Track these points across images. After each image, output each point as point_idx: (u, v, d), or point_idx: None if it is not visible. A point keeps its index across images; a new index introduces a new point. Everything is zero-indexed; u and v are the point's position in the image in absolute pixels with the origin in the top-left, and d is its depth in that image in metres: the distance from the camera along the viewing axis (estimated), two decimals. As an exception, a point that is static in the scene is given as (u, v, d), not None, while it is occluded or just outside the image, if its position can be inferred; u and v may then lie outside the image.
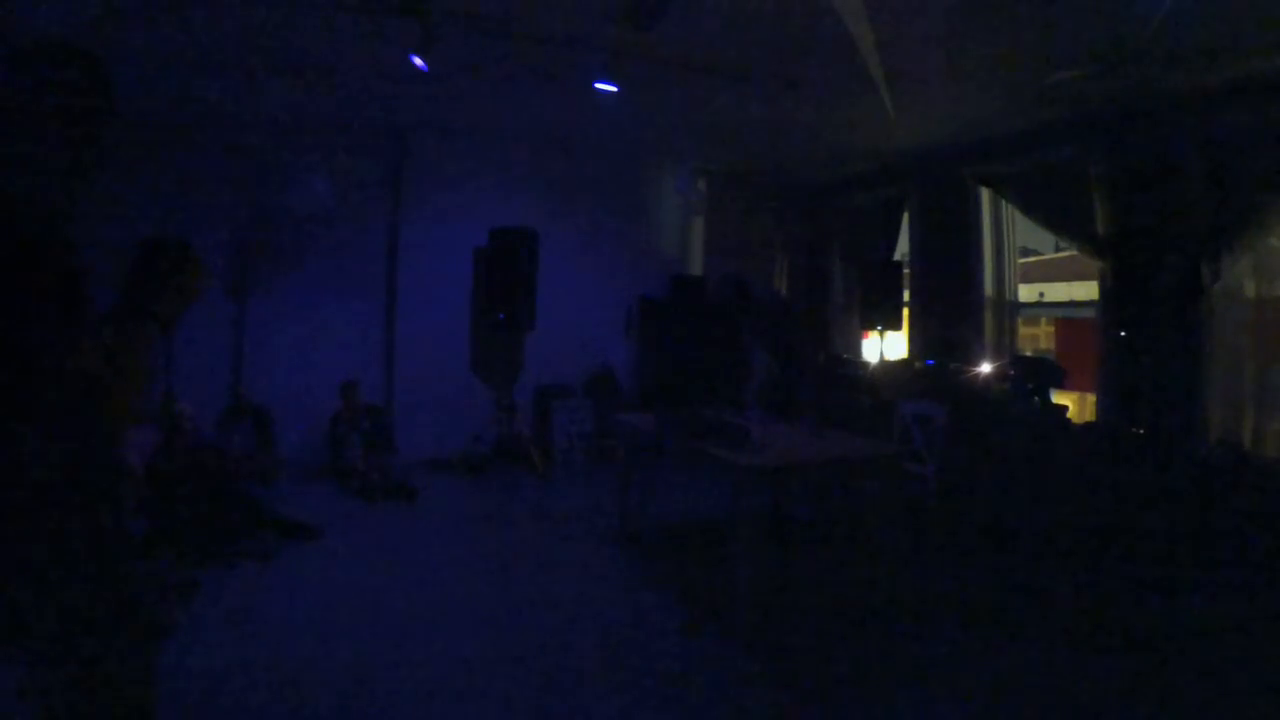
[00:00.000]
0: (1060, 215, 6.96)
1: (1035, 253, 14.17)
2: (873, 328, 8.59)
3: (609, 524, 5.91)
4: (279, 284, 7.63)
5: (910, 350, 8.50)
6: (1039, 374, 6.22)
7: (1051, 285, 12.24)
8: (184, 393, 6.62)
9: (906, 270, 8.85)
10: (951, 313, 7.94)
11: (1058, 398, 6.31)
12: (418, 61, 5.46)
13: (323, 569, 5.14)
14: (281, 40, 5.48)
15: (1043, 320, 11.87)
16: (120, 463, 2.01)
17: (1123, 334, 6.10)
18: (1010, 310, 7.90)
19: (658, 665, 3.77)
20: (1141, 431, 5.32)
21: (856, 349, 9.50)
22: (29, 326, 1.58)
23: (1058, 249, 13.66)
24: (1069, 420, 6.03)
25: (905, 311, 8.69)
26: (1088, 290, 7.58)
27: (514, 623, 4.30)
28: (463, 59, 5.75)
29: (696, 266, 9.79)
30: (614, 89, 5.99)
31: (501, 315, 7.80)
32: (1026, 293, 8.81)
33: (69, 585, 1.70)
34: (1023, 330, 8.96)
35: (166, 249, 1.81)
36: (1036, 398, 6.00)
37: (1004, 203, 7.85)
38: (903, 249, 9.12)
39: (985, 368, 7.12)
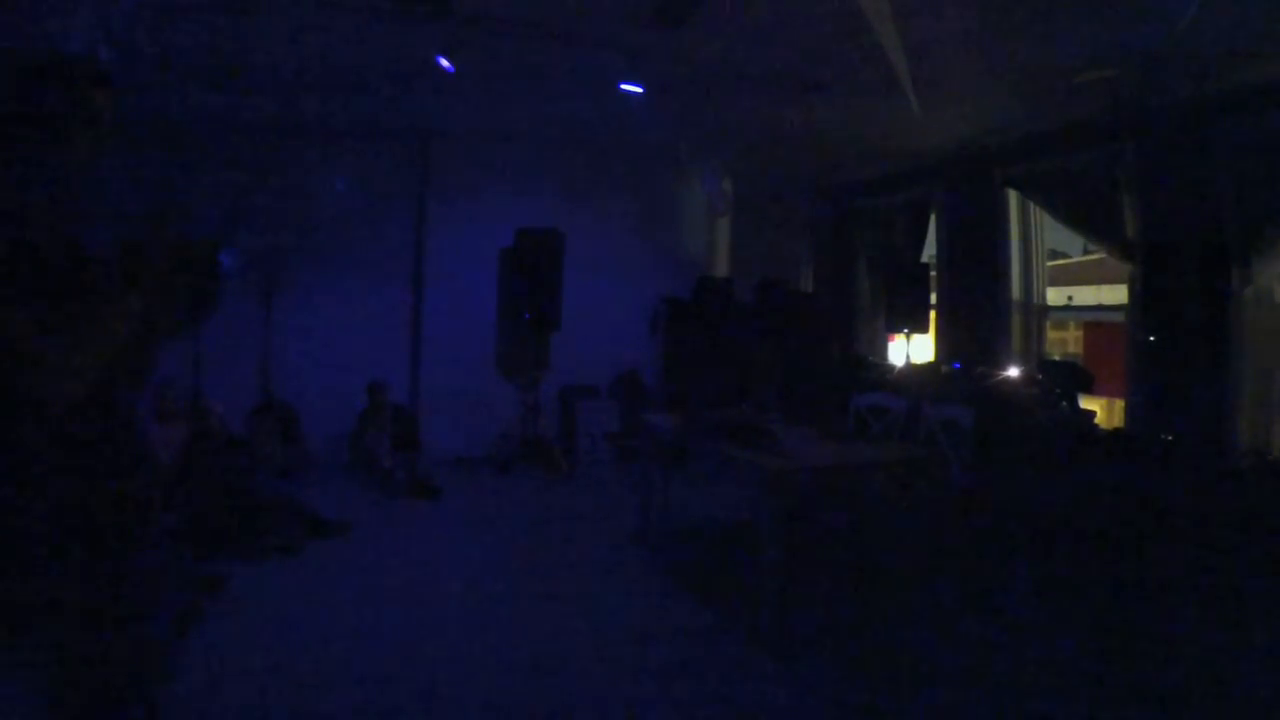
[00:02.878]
0: (1089, 218, 6.91)
1: (1064, 255, 14.02)
2: (899, 330, 8.54)
3: (632, 524, 5.91)
4: (307, 285, 7.71)
5: (937, 354, 8.45)
6: (1067, 379, 6.17)
7: (1080, 289, 12.12)
8: (213, 391, 6.70)
9: (933, 272, 8.78)
10: (979, 316, 7.89)
11: (1086, 403, 6.26)
12: (445, 63, 5.49)
13: (348, 564, 5.20)
14: (309, 44, 5.53)
15: (1071, 324, 11.79)
16: (146, 456, 2.03)
17: (1152, 339, 6.04)
18: (1038, 314, 7.84)
19: (681, 666, 3.78)
20: (1170, 438, 5.26)
21: (882, 352, 9.46)
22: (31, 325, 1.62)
23: (1086, 252, 13.51)
24: (1097, 426, 5.98)
25: (932, 314, 8.62)
26: (1116, 294, 7.50)
27: (536, 620, 4.32)
28: (489, 61, 5.78)
29: (723, 268, 9.79)
30: (640, 90, 6.00)
31: (527, 315, 7.83)
32: (1055, 296, 8.73)
33: (89, 578, 1.73)
34: (1051, 334, 8.88)
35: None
36: (1064, 403, 5.95)
37: (1032, 205, 7.79)
38: (930, 251, 9.07)
39: (1013, 372, 7.05)
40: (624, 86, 5.99)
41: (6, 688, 1.79)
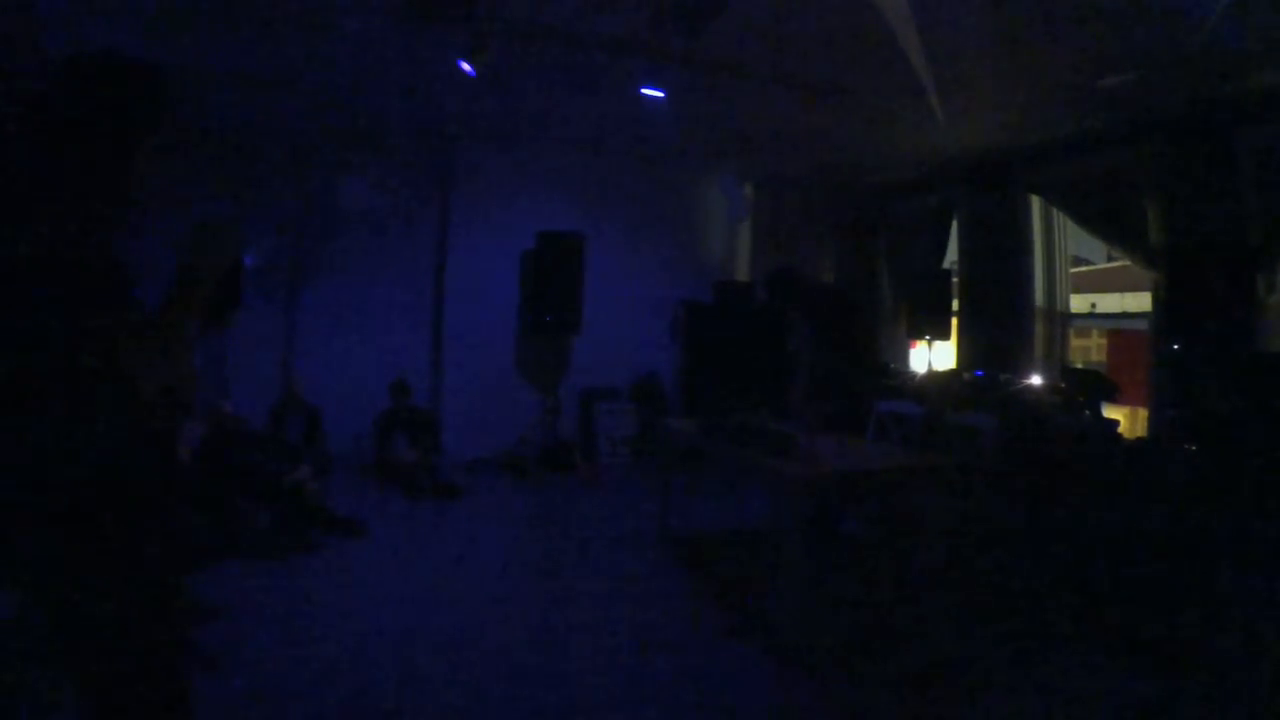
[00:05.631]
0: (1112, 224, 6.86)
1: (1087, 262, 13.92)
2: (921, 337, 8.51)
3: (651, 528, 5.92)
4: (330, 286, 7.78)
5: (959, 361, 8.40)
6: (1090, 387, 6.12)
7: (1104, 296, 12.03)
8: (237, 389, 6.76)
9: (956, 279, 8.74)
10: (1001, 323, 7.85)
11: (1109, 412, 6.21)
12: (466, 67, 5.52)
13: (367, 563, 5.25)
14: (331, 48, 5.58)
15: (1094, 332, 11.70)
16: (171, 454, 2.06)
17: (1175, 347, 5.99)
18: (1061, 321, 7.79)
19: (699, 672, 3.77)
20: (1194, 449, 5.22)
21: (904, 358, 9.42)
22: (65, 319, 1.65)
23: (1110, 258, 13.41)
24: (1120, 435, 5.93)
25: (954, 321, 8.58)
26: (1140, 301, 7.45)
27: (553, 622, 4.33)
28: (510, 65, 5.81)
29: (743, 272, 9.79)
30: (661, 95, 6.01)
31: (548, 318, 7.86)
32: (1078, 303, 8.67)
33: (112, 579, 1.75)
34: (1074, 342, 8.83)
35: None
36: (1087, 412, 5.91)
37: (1055, 210, 7.75)
38: (952, 257, 9.03)
39: (1036, 380, 7.01)
40: (645, 91, 6.00)
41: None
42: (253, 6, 4.99)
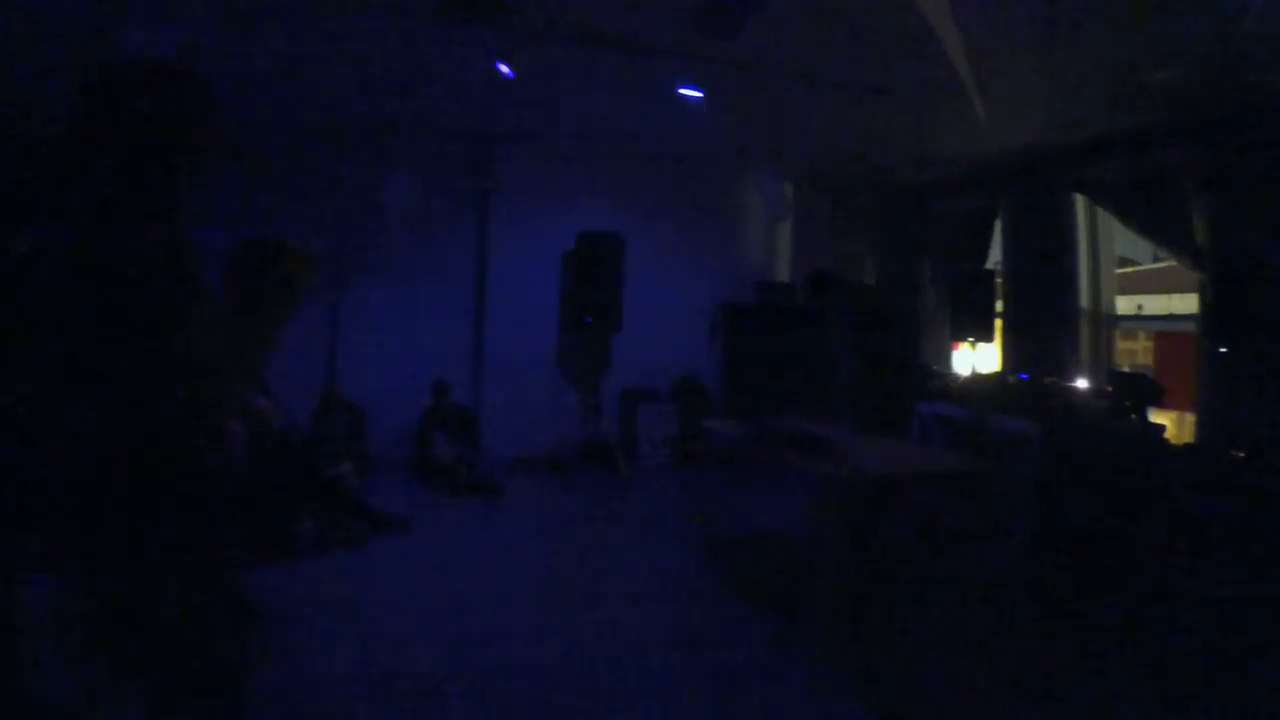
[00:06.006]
0: (1158, 223, 6.73)
1: (1133, 263, 13.69)
2: (964, 339, 8.42)
3: (691, 529, 5.92)
4: (372, 286, 7.86)
5: (1003, 363, 8.30)
6: (1136, 391, 6.02)
7: (1150, 297, 11.83)
8: (281, 388, 6.84)
9: (999, 279, 8.62)
10: (1046, 325, 7.73)
11: (1155, 416, 6.11)
12: (504, 69, 5.56)
13: (409, 560, 5.34)
14: (371, 48, 5.63)
15: (1140, 334, 11.50)
16: (227, 448, 2.09)
17: (1223, 350, 5.88)
18: (1107, 323, 7.67)
19: (736, 673, 3.78)
20: (1243, 455, 5.12)
21: (947, 360, 9.33)
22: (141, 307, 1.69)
23: (1156, 259, 13.19)
24: (1166, 441, 5.83)
25: (998, 323, 8.44)
26: (1188, 303, 7.32)
27: (591, 621, 4.36)
28: (548, 65, 5.83)
29: (784, 273, 9.75)
30: (699, 94, 6.01)
31: (588, 318, 7.89)
32: (1124, 304, 8.54)
33: (168, 570, 1.78)
34: (1120, 344, 8.68)
35: (270, 249, 1.91)
36: (1134, 416, 5.82)
37: (1100, 210, 7.63)
38: (995, 257, 8.92)
39: (1081, 383, 6.91)
40: (684, 90, 6.01)
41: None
42: (293, 7, 5.05)
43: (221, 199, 6.40)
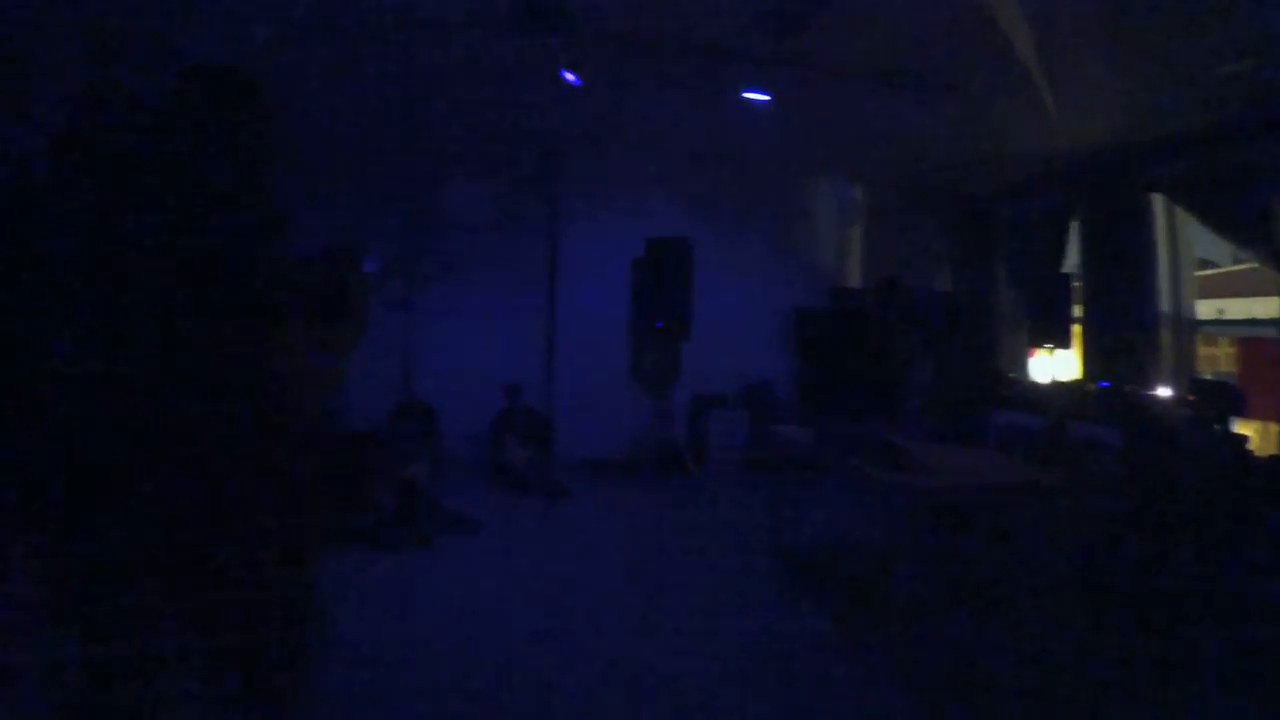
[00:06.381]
0: (1240, 223, 6.53)
1: (1213, 265, 13.27)
2: (1040, 345, 8.24)
3: (761, 537, 5.88)
4: (446, 290, 8.01)
5: (1082, 370, 8.11)
6: (1218, 400, 5.85)
7: (1232, 301, 11.46)
8: (356, 389, 7.00)
9: (1076, 283, 8.43)
10: (1124, 330, 7.54)
11: (1238, 427, 5.92)
12: (569, 77, 5.61)
13: (480, 560, 5.46)
14: (442, 57, 5.73)
15: (1222, 339, 11.16)
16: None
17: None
18: (1187, 328, 7.47)
19: (802, 684, 3.76)
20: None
21: (1023, 368, 9.15)
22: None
23: (1237, 260, 12.77)
24: (1250, 453, 5.66)
25: (1075, 328, 8.21)
26: (1270, 307, 7.10)
27: (656, 625, 4.37)
28: (614, 72, 5.88)
29: (856, 278, 9.68)
30: (766, 98, 6.00)
31: (659, 323, 7.92)
32: (1204, 309, 8.30)
33: (254, 564, 1.86)
34: (1201, 350, 8.44)
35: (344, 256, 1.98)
36: (1216, 426, 5.66)
37: (1179, 210, 7.42)
38: (1073, 260, 8.72)
39: (1163, 392, 6.74)
40: (749, 94, 6.00)
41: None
42: (364, 18, 5.16)
43: (298, 207, 6.65)
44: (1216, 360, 11.23)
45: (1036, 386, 8.04)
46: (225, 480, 1.80)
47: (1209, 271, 12.71)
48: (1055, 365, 8.15)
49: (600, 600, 4.73)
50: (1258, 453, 5.76)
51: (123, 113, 1.88)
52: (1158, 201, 7.50)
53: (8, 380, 1.73)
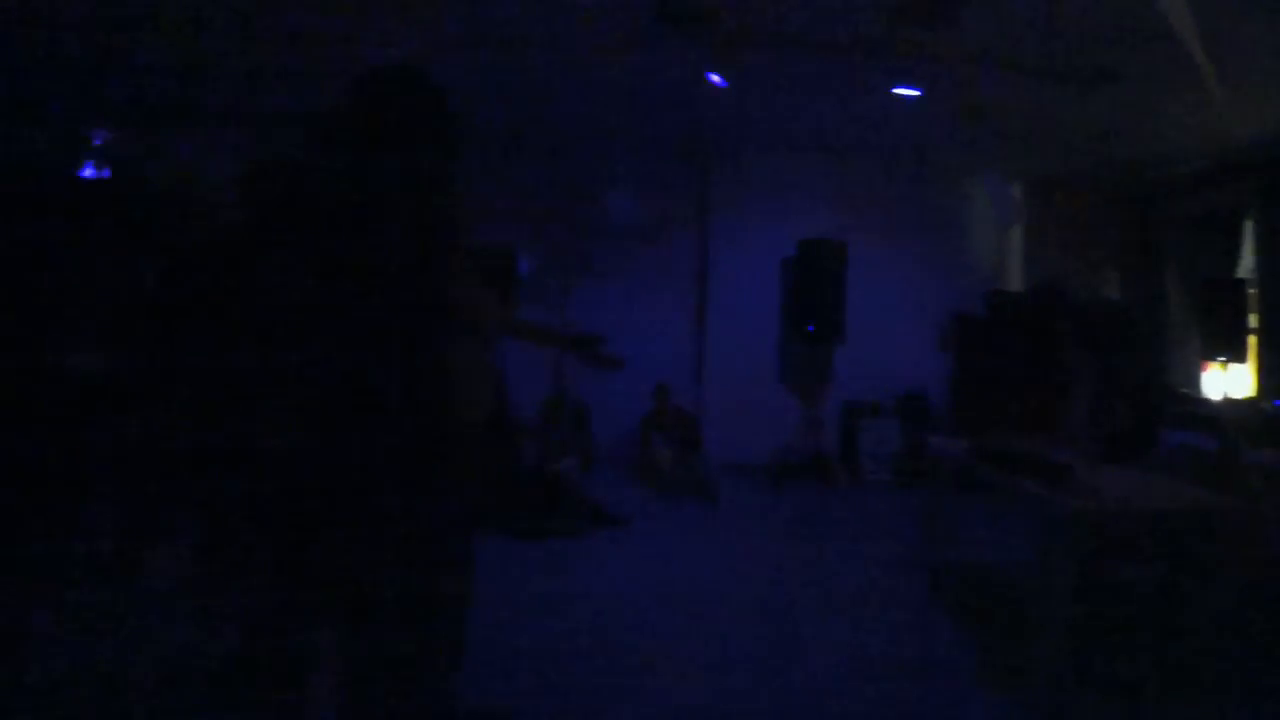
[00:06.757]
0: None
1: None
2: (1214, 358, 7.80)
3: (910, 553, 5.82)
4: (599, 290, 8.22)
5: (1258, 387, 7.66)
6: None
7: None
8: (511, 382, 7.27)
9: (1252, 290, 7.92)
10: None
11: None
12: (715, 78, 5.65)
13: (624, 556, 5.60)
14: (589, 61, 5.88)
15: None
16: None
17: None
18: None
19: (943, 710, 3.68)
20: None
21: (1195, 383, 8.68)
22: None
23: None
24: None
25: (1251, 340, 7.76)
26: None
27: (795, 637, 4.35)
28: (760, 72, 5.88)
29: (1015, 282, 9.39)
30: (916, 93, 5.89)
31: (810, 327, 7.90)
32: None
33: (409, 554, 1.93)
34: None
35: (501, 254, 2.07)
36: None
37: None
38: (1249, 264, 8.19)
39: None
40: (900, 90, 5.91)
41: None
42: (515, 26, 5.33)
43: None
44: None
45: (1209, 403, 7.59)
46: (407, 480, 1.89)
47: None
48: (1231, 381, 7.68)
49: (739, 606, 4.77)
50: None
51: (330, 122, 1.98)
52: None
53: (254, 399, 1.89)
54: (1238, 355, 7.59)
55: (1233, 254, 8.27)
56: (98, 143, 6.99)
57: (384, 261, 1.84)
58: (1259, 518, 4.56)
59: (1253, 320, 7.80)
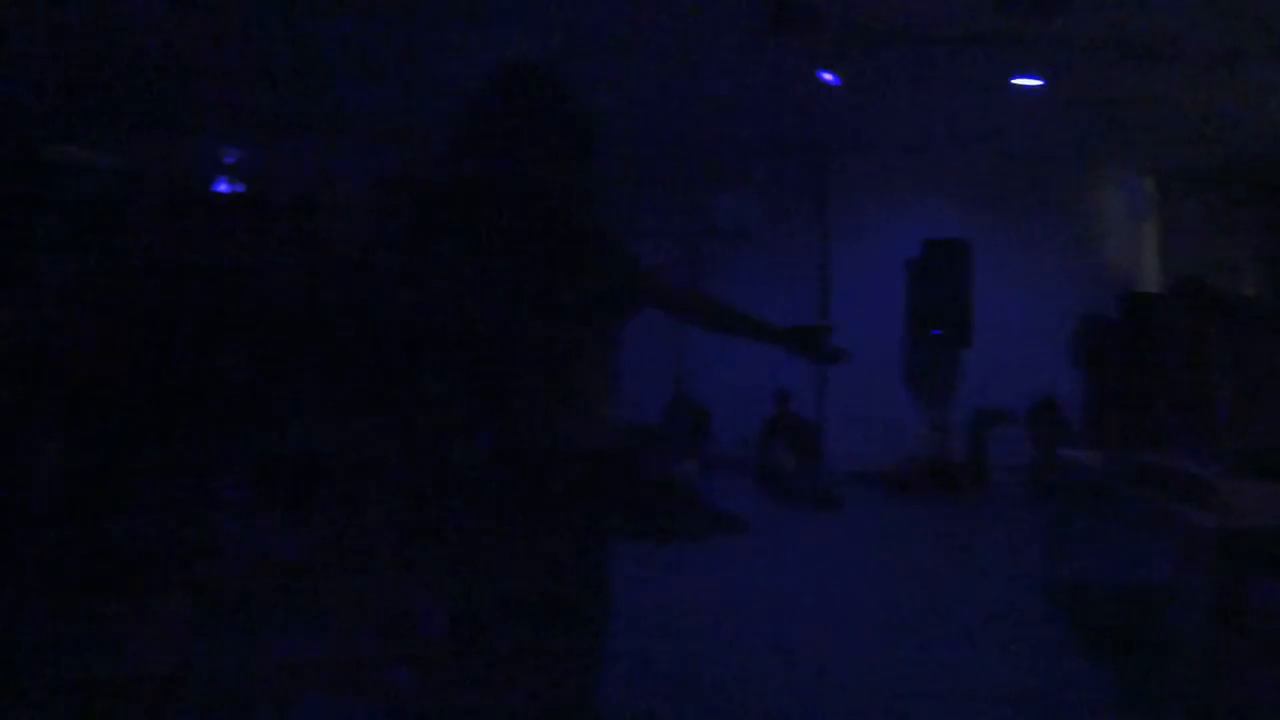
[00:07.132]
0: None
1: None
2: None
3: (1039, 570, 5.49)
4: (719, 292, 8.14)
5: None
6: None
7: None
8: (629, 386, 7.31)
9: None
10: None
11: None
12: (828, 77, 5.56)
13: (741, 562, 5.54)
14: (704, 64, 5.87)
15: None
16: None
17: None
18: None
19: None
20: None
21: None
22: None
23: None
24: None
25: None
26: None
27: (910, 654, 4.16)
28: (874, 70, 5.76)
29: (1151, 282, 8.88)
30: (1039, 84, 5.66)
31: (935, 331, 7.68)
32: None
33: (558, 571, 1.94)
34: None
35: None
36: None
37: None
38: None
39: None
40: (1019, 81, 5.67)
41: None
42: (626, 30, 5.35)
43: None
44: None
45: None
46: (542, 485, 1.90)
47: None
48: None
49: (854, 618, 4.63)
50: None
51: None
52: None
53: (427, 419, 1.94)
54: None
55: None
56: (230, 160, 7.33)
57: (536, 269, 1.84)
58: None
59: None
